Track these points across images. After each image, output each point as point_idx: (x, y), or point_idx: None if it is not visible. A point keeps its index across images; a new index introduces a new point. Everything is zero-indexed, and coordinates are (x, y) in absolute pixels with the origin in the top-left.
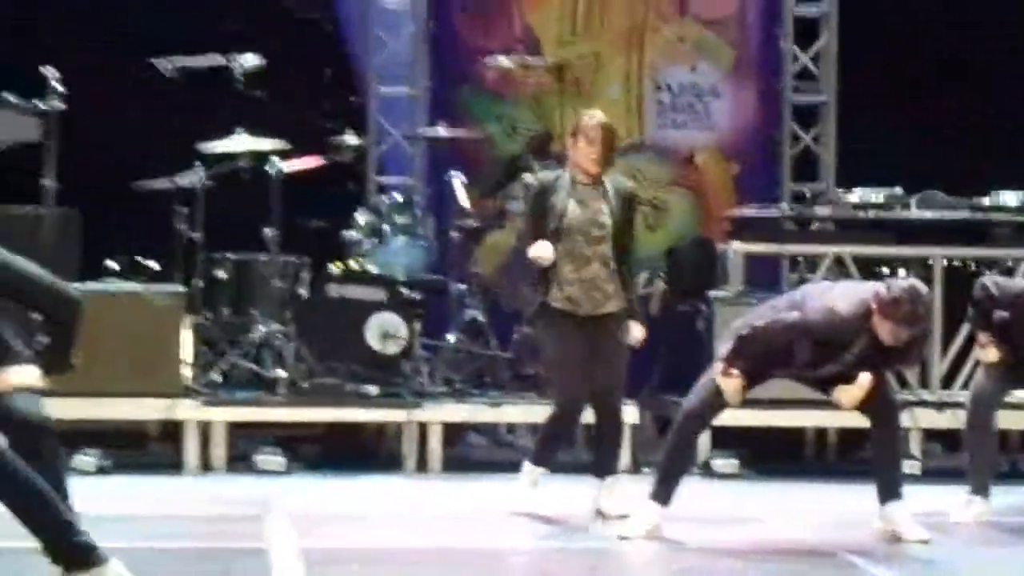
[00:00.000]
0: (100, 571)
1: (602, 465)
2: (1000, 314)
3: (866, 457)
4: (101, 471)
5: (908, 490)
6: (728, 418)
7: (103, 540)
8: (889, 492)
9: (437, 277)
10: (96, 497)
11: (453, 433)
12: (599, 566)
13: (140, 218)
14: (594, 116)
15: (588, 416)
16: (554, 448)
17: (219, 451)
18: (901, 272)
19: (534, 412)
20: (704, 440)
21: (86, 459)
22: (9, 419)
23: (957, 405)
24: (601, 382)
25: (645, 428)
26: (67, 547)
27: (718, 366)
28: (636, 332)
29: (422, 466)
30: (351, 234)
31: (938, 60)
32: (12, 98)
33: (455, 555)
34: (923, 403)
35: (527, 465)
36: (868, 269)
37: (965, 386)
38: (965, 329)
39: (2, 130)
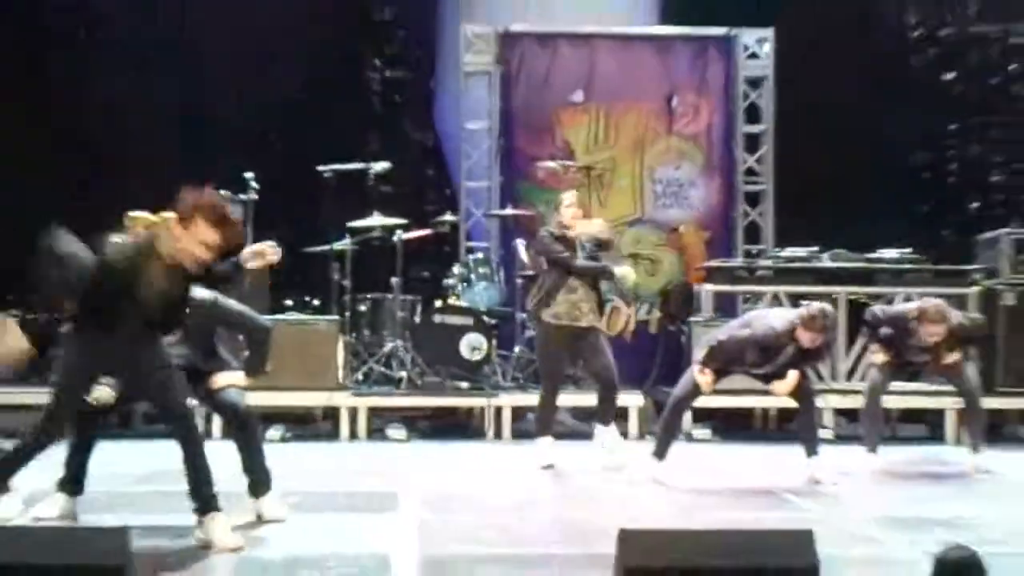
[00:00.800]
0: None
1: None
2: (884, 330)
3: (794, 427)
4: (284, 440)
5: (823, 449)
6: (703, 402)
7: (287, 488)
8: (811, 450)
9: (507, 309)
10: (281, 459)
11: (519, 414)
12: (622, 501)
13: (308, 271)
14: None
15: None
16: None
17: (362, 427)
18: (816, 302)
19: (573, 399)
20: (687, 417)
21: (274, 432)
22: (224, 407)
23: (856, 392)
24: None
25: (648, 409)
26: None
27: (695, 367)
28: None
29: (498, 436)
30: (449, 281)
31: (843, 162)
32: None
33: (521, 495)
34: (833, 390)
35: (538, 439)
36: (795, 301)
37: (862, 379)
38: (860, 341)
39: None
